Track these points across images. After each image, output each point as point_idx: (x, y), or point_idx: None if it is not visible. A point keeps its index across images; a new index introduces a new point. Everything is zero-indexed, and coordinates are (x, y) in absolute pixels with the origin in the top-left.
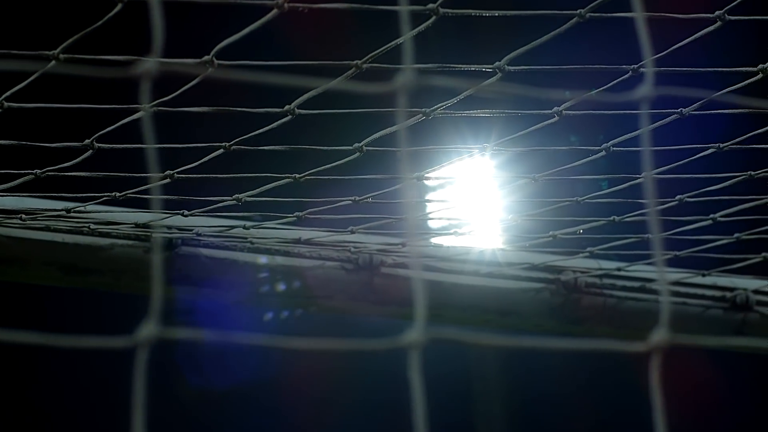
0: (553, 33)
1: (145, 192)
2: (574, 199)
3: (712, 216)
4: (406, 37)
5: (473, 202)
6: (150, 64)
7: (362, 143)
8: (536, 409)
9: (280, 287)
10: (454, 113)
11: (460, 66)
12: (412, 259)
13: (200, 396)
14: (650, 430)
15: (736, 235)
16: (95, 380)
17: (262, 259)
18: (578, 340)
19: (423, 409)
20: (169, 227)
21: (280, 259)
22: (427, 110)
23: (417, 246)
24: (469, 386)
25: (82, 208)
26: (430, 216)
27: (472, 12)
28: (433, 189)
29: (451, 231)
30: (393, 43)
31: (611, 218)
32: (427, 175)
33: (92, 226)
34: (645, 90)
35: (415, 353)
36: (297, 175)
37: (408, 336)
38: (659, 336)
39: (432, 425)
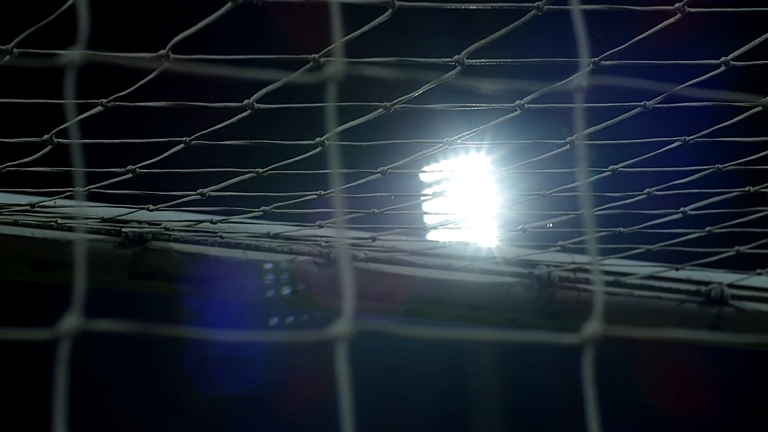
0: (511, 26)
1: (109, 186)
2: (541, 193)
3: (682, 209)
4: (362, 32)
5: (461, 198)
6: (74, 54)
7: (324, 137)
8: (532, 402)
9: (253, 282)
10: (415, 107)
11: (419, 59)
12: (339, 250)
13: (208, 402)
14: (645, 424)
15: (707, 228)
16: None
17: (234, 254)
18: (512, 332)
19: (350, 402)
20: (139, 222)
21: (251, 254)
22: (388, 104)
23: (344, 239)
24: (464, 381)
25: (47, 203)
26: (417, 211)
27: (429, 4)
28: (428, 185)
29: (424, 226)
30: (350, 36)
31: (580, 212)
32: (392, 169)
33: (59, 221)
34: (578, 80)
35: (342, 345)
36: (260, 170)
37: (335, 328)
38: (592, 327)
39: (428, 420)
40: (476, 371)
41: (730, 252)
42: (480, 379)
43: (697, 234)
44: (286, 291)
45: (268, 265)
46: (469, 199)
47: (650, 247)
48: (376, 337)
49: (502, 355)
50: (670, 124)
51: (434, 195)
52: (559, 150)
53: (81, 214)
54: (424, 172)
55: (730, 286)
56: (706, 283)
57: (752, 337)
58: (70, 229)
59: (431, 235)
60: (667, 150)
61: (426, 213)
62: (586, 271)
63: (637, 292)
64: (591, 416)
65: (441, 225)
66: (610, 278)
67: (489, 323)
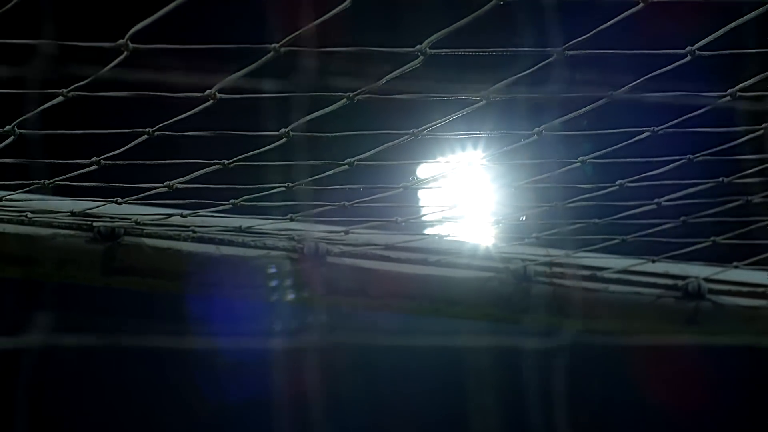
0: (472, 15)
1: (76, 180)
2: (511, 186)
3: (656, 200)
4: (323, 20)
5: (442, 193)
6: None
7: (288, 128)
8: (527, 395)
9: (227, 277)
10: (379, 96)
11: (382, 49)
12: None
13: (217, 409)
14: (641, 418)
15: (682, 218)
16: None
17: (207, 249)
18: (479, 337)
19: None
20: (111, 217)
21: (224, 249)
22: (351, 94)
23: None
24: (460, 375)
25: (12, 197)
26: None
27: None
28: (425, 180)
29: (396, 219)
30: (309, 25)
31: (553, 203)
32: (359, 161)
33: (29, 216)
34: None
35: (314, 354)
36: (226, 162)
37: (307, 338)
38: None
39: (425, 415)
40: (471, 364)
41: (707, 242)
42: (475, 372)
43: (671, 224)
44: (264, 287)
45: (243, 260)
46: (450, 194)
47: (626, 237)
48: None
49: (497, 349)
50: (644, 116)
51: (404, 187)
52: (526, 141)
53: (92, 210)
54: (391, 163)
55: (707, 280)
56: (683, 277)
57: (729, 332)
58: (42, 224)
59: (408, 230)
60: (637, 141)
61: (401, 206)
62: (561, 265)
63: (613, 287)
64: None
65: (413, 219)
66: (586, 272)
67: (465, 318)
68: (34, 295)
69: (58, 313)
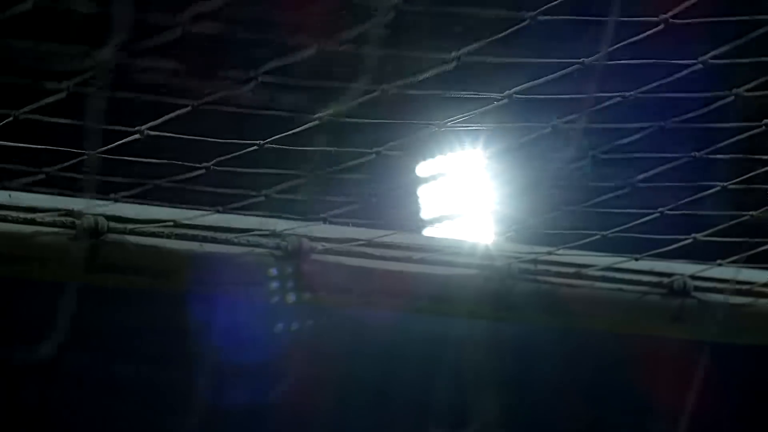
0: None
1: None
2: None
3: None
4: None
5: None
6: None
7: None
8: (528, 392)
9: (210, 274)
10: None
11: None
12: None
13: (218, 414)
14: (642, 417)
15: (659, 209)
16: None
17: (190, 246)
18: None
19: None
20: (94, 214)
21: (208, 247)
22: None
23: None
24: (460, 372)
25: None
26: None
27: None
28: (425, 180)
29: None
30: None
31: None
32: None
33: (12, 216)
34: None
35: None
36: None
37: None
38: None
39: (424, 412)
40: (471, 359)
41: (687, 240)
42: (474, 366)
43: (649, 217)
44: (248, 284)
45: (227, 258)
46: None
47: (605, 233)
48: (368, 327)
49: (498, 346)
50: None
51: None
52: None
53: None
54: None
55: (693, 277)
56: (669, 275)
57: (714, 329)
58: (25, 222)
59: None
60: (608, 106)
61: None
62: (546, 263)
63: (598, 284)
64: None
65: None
66: (571, 270)
67: (449, 315)
68: None
69: None
